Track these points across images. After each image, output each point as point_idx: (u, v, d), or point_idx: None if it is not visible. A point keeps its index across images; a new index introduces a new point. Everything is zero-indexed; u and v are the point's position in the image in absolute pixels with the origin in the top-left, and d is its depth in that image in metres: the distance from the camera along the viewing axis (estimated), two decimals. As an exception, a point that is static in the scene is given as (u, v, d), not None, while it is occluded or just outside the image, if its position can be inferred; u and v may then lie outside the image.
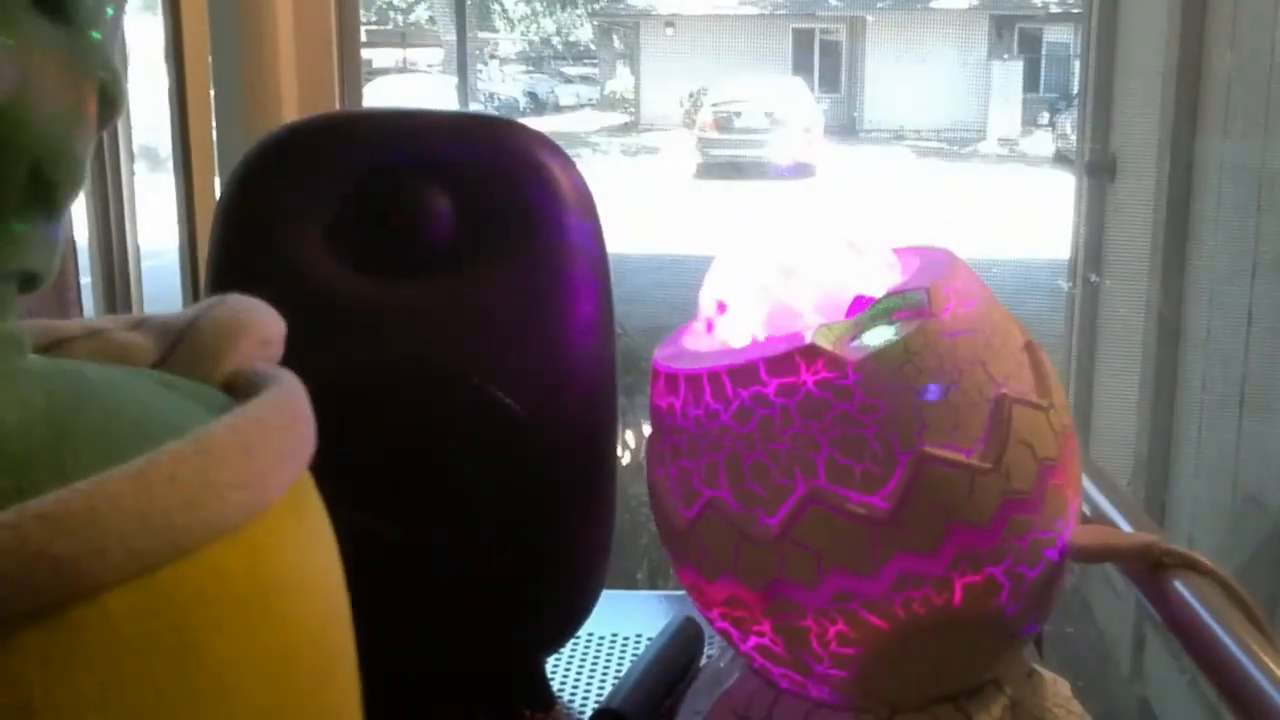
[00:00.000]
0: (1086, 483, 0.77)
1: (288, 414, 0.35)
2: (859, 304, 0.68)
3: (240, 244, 0.74)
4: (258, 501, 0.32)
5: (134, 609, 0.28)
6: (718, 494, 0.66)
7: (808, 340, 0.63)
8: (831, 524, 0.63)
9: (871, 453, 0.63)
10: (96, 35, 0.35)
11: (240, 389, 0.39)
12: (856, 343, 0.64)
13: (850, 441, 0.63)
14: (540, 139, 0.79)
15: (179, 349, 0.41)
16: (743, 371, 0.64)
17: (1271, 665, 0.58)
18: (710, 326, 0.72)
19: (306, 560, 0.35)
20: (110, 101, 0.38)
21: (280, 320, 0.44)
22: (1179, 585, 0.64)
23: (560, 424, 0.75)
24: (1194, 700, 3.20)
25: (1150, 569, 0.66)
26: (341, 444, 0.72)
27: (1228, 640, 0.60)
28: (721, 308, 0.71)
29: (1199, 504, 3.47)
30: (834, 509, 0.63)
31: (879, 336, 0.64)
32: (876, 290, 0.68)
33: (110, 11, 0.36)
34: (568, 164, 0.78)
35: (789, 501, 0.64)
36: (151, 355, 0.41)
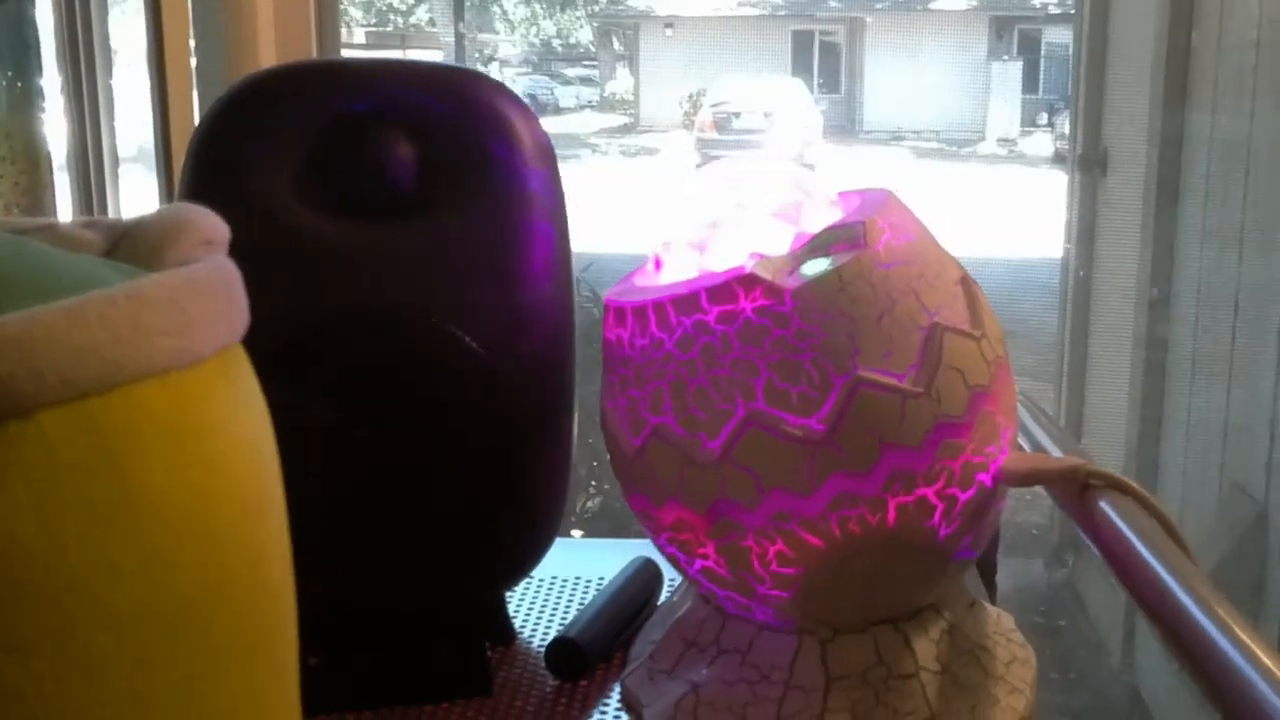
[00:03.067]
0: (1025, 418, 0.80)
1: (217, 282, 0.38)
2: (800, 239, 0.70)
3: (209, 188, 0.77)
4: (184, 350, 0.35)
5: (66, 430, 0.31)
6: (663, 420, 0.69)
7: (747, 270, 0.66)
8: (770, 445, 0.66)
9: (808, 377, 0.65)
10: None
11: None
12: (795, 273, 0.67)
13: (787, 366, 0.65)
14: (501, 89, 0.81)
15: (124, 242, 0.44)
16: (685, 300, 0.67)
17: (1189, 577, 0.61)
18: (659, 265, 0.75)
19: (234, 414, 0.37)
20: None
21: (224, 224, 0.47)
22: (1104, 505, 0.66)
23: (518, 361, 0.78)
24: (1183, 690, 3.22)
25: (1078, 491, 0.68)
26: (306, 382, 0.75)
27: (1149, 555, 0.63)
28: (668, 247, 0.74)
29: (1188, 491, 3.50)
30: (772, 431, 0.66)
31: (816, 267, 0.67)
32: (818, 226, 0.70)
33: None
34: (528, 114, 0.81)
35: (729, 425, 0.66)
36: (99, 248, 0.44)
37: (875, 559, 0.68)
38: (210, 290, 0.38)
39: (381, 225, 0.77)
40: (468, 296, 0.77)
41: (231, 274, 0.40)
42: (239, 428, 0.38)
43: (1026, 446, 0.81)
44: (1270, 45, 2.75)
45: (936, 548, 0.69)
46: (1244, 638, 0.52)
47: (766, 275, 0.66)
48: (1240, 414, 3.12)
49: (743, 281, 0.66)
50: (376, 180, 0.78)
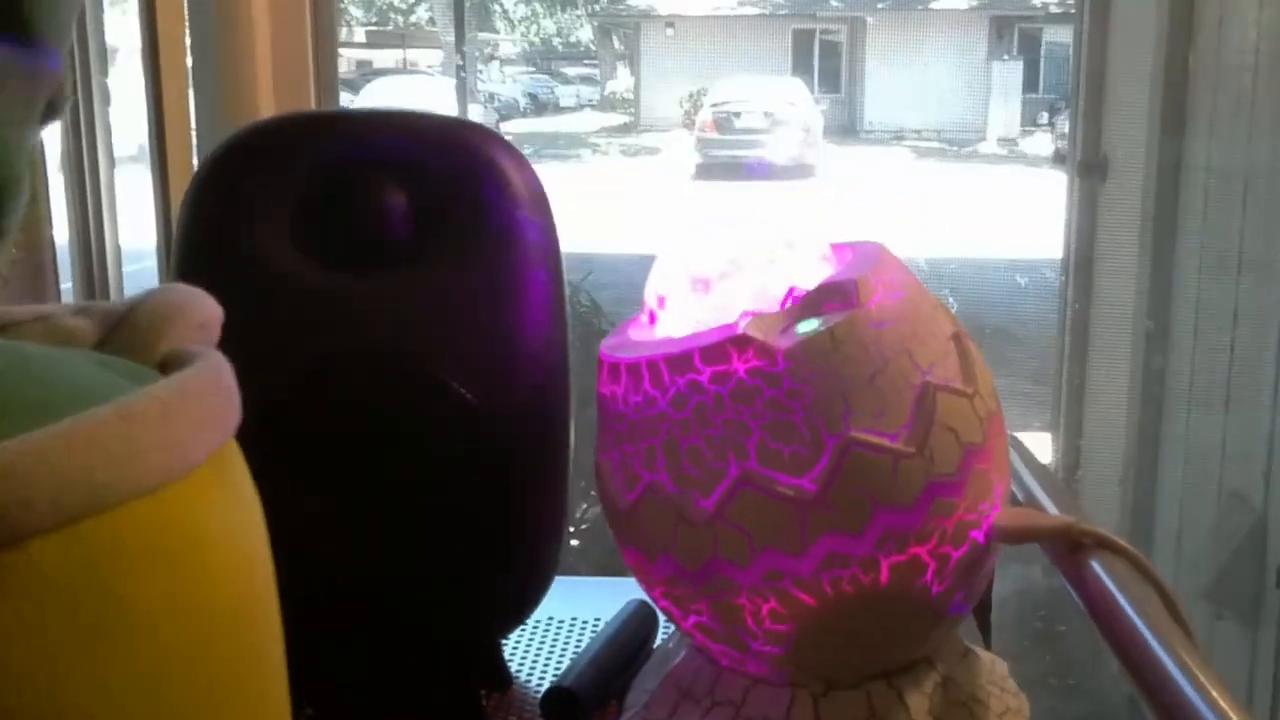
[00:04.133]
0: (1018, 466, 0.80)
1: (209, 384, 0.38)
2: (792, 295, 0.70)
3: (204, 238, 0.77)
4: (178, 464, 0.35)
5: (58, 555, 0.31)
6: (656, 477, 0.69)
7: (740, 330, 0.66)
8: (762, 505, 0.66)
9: (800, 437, 0.65)
10: (51, 53, 0.38)
11: (172, 368, 0.42)
12: (787, 332, 0.67)
13: (779, 426, 0.66)
14: (495, 138, 0.82)
15: (117, 332, 0.44)
16: (678, 360, 0.67)
17: (1175, 645, 0.60)
18: (653, 319, 0.75)
19: (228, 522, 0.37)
20: (54, 110, 0.41)
21: (217, 305, 0.47)
22: (1095, 565, 0.66)
23: (514, 411, 0.78)
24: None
25: (1069, 549, 0.68)
26: (301, 431, 0.75)
27: (1136, 619, 0.63)
28: (662, 301, 0.74)
29: (1186, 499, 3.50)
30: (764, 491, 0.66)
31: (808, 326, 0.67)
32: (809, 283, 0.71)
33: (65, 30, 0.39)
34: (521, 162, 0.81)
35: (722, 484, 0.67)
36: (93, 338, 0.44)
37: (868, 617, 0.68)
38: (202, 394, 0.38)
39: (376, 275, 0.78)
40: (462, 346, 0.77)
41: (224, 371, 0.40)
42: (232, 532, 0.38)
43: (1018, 494, 0.81)
44: (1268, 70, 2.75)
45: (929, 605, 0.69)
46: (1230, 714, 0.53)
47: (759, 335, 0.66)
48: (1238, 423, 3.12)
49: (735, 342, 0.66)
50: (371, 230, 0.78)
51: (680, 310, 0.73)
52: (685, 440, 0.67)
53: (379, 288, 0.78)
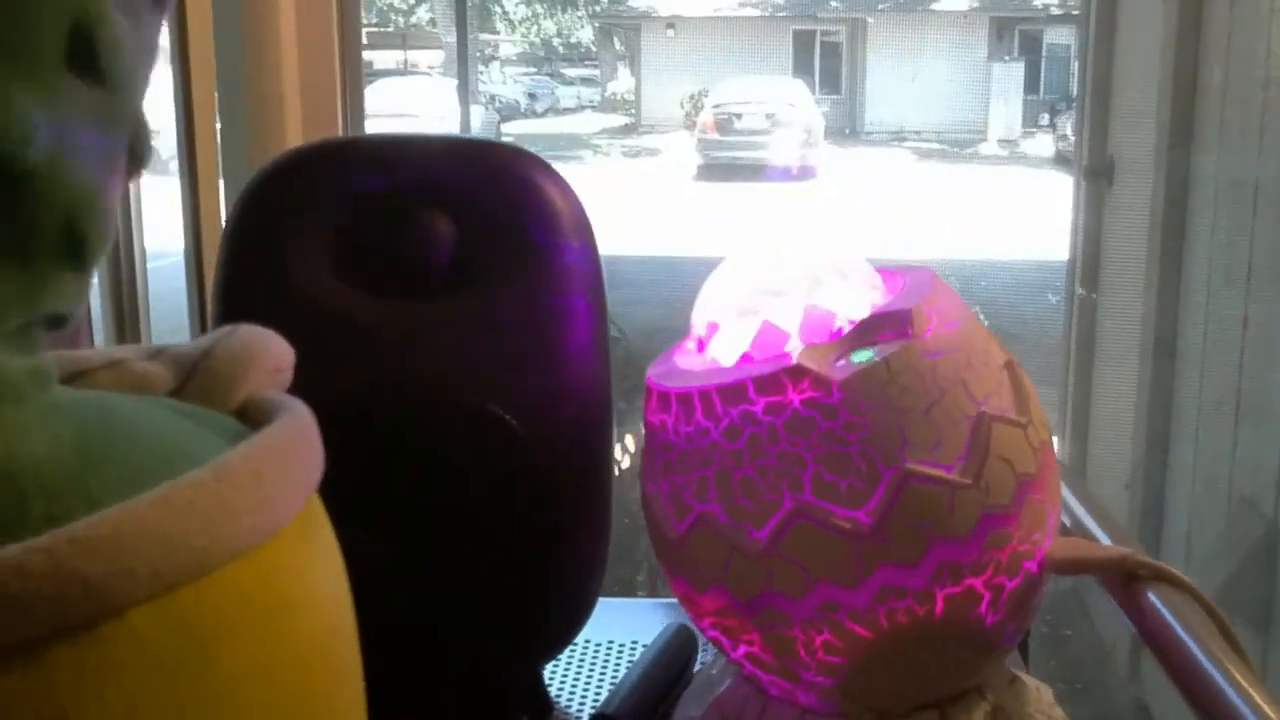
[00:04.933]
0: (1067, 495, 0.79)
1: (297, 441, 0.38)
2: (844, 324, 0.70)
3: (247, 267, 0.76)
4: (269, 524, 0.34)
5: (157, 626, 0.31)
6: (708, 508, 0.68)
7: (795, 360, 0.66)
8: (817, 538, 0.65)
9: (855, 469, 0.65)
10: (127, 94, 0.37)
11: (252, 416, 0.42)
12: (842, 363, 0.67)
13: (835, 458, 0.65)
14: (537, 162, 0.81)
15: (194, 378, 0.43)
16: (732, 390, 0.67)
17: (1237, 676, 0.60)
18: (701, 345, 0.74)
19: (315, 578, 0.37)
20: (138, 157, 0.40)
21: (290, 349, 0.47)
22: (1152, 597, 0.66)
23: (558, 440, 0.77)
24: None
25: (1124, 580, 0.68)
26: (346, 461, 0.75)
27: (1197, 651, 0.62)
28: (712, 328, 0.73)
29: (1195, 507, 3.49)
30: (820, 523, 0.65)
31: (863, 356, 0.67)
32: (861, 311, 0.70)
33: (140, 71, 0.38)
34: (564, 187, 0.80)
35: (776, 516, 0.66)
36: (168, 384, 0.43)
37: (922, 648, 0.68)
38: (290, 451, 0.37)
39: (418, 303, 0.77)
40: (506, 374, 0.77)
41: (308, 425, 0.40)
42: (320, 589, 0.38)
43: (1066, 521, 0.80)
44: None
45: (983, 635, 0.69)
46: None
47: (813, 366, 0.66)
48: (1248, 430, 3.11)
49: (790, 373, 0.65)
50: (413, 258, 0.78)
51: (729, 337, 0.73)
52: (738, 471, 0.67)
53: (421, 316, 0.77)
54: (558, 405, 0.78)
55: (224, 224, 0.77)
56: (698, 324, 0.75)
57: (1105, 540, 0.74)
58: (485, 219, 0.78)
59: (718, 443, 0.68)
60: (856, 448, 0.65)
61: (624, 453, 3.51)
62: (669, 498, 0.71)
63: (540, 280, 0.77)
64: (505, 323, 0.77)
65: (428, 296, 0.77)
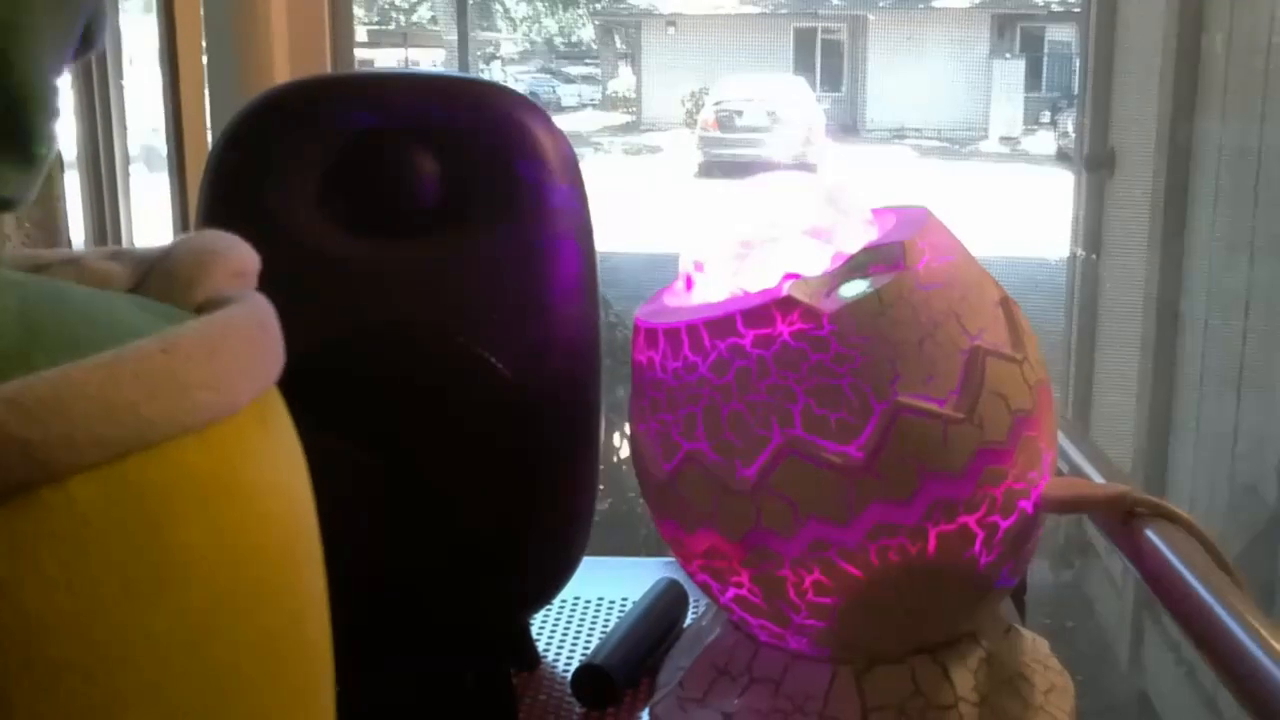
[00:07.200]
0: (1063, 439, 0.78)
1: (253, 324, 0.36)
2: (836, 259, 0.68)
3: (228, 204, 0.75)
4: (223, 403, 0.33)
5: (99, 495, 0.29)
6: (696, 446, 0.67)
7: (784, 292, 0.64)
8: (807, 473, 0.64)
9: (846, 403, 0.63)
10: None
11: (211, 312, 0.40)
12: (832, 295, 0.65)
13: (825, 392, 0.64)
14: (524, 101, 0.80)
15: (153, 276, 0.42)
16: (720, 324, 0.65)
17: (1240, 608, 0.59)
18: (690, 284, 0.73)
19: (275, 466, 0.36)
20: (90, 41, 0.39)
21: (254, 253, 0.45)
22: (1151, 534, 0.64)
23: (545, 383, 0.76)
24: (1191, 692, 3.21)
25: (1123, 519, 0.66)
26: (326, 399, 0.73)
27: (1198, 585, 0.61)
28: (699, 266, 0.72)
29: (1197, 493, 3.48)
30: (810, 458, 0.64)
31: (854, 289, 0.65)
32: (854, 245, 0.69)
33: None
34: (551, 127, 0.79)
35: (765, 452, 0.65)
36: (127, 282, 0.42)
37: (914, 588, 0.66)
38: (248, 335, 0.36)
39: (404, 242, 0.76)
40: (493, 316, 0.75)
41: (267, 313, 0.38)
42: (277, 478, 0.36)
43: (1064, 469, 0.79)
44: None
45: (977, 576, 0.67)
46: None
47: (804, 298, 0.64)
48: (1250, 417, 3.10)
49: (780, 304, 0.64)
50: (398, 196, 0.76)
51: (717, 275, 0.71)
52: (727, 407, 0.65)
53: (407, 255, 0.76)
54: (546, 349, 0.76)
55: (206, 162, 0.75)
56: (686, 263, 0.73)
57: (1101, 481, 0.73)
58: (472, 156, 0.76)
59: (705, 378, 0.66)
60: (847, 380, 0.63)
61: (624, 439, 3.50)
62: (656, 437, 0.70)
63: (529, 219, 0.76)
64: (493, 262, 0.75)
65: (414, 236, 0.76)
